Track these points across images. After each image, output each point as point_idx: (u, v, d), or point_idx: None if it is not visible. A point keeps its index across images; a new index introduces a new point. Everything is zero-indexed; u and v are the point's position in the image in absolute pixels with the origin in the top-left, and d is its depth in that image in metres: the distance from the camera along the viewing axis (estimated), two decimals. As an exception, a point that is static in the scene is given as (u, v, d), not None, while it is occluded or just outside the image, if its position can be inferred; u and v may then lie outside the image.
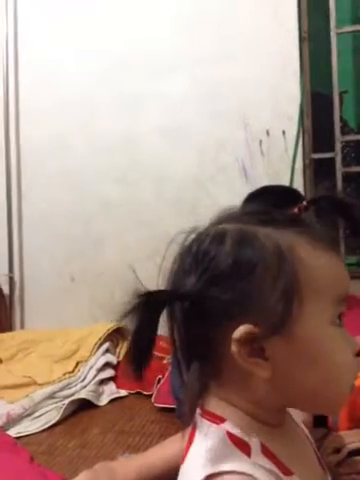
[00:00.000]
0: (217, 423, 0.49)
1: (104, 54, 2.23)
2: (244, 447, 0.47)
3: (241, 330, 0.47)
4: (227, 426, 0.48)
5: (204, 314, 0.48)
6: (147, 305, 0.47)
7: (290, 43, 2.09)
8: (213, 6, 2.14)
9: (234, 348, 0.47)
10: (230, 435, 0.48)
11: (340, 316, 0.51)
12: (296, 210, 0.56)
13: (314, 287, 0.48)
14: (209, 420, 0.50)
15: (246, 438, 0.48)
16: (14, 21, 2.28)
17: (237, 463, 0.46)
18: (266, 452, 0.48)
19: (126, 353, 0.49)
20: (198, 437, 0.49)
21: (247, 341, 0.47)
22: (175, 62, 2.19)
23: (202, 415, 0.50)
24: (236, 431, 0.48)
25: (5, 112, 2.28)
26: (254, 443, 0.48)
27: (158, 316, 0.48)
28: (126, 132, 2.24)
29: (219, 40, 2.15)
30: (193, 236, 0.53)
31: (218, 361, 0.49)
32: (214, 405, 0.50)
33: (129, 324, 0.47)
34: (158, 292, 0.49)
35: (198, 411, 0.51)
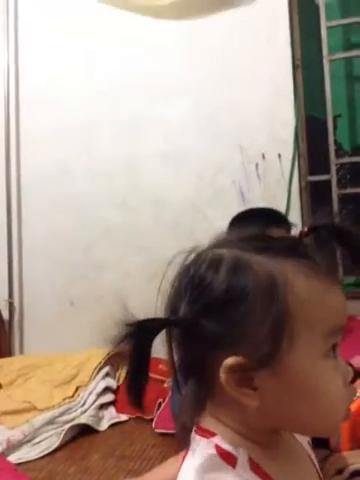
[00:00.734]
0: (207, 437, 0.50)
1: (104, 80, 2.29)
2: (230, 459, 0.48)
3: (229, 361, 0.47)
4: (216, 440, 0.50)
5: (196, 340, 0.48)
6: (139, 333, 0.48)
7: (284, 70, 2.15)
8: (211, 34, 2.20)
9: (223, 377, 0.47)
10: (218, 448, 0.49)
11: (334, 346, 0.50)
12: (296, 236, 0.56)
13: (306, 320, 0.48)
14: (201, 435, 0.51)
15: (233, 451, 0.49)
16: (15, 48, 2.34)
17: (222, 474, 0.47)
18: (254, 466, 0.49)
19: (124, 380, 0.49)
20: (189, 451, 0.51)
21: (236, 371, 0.47)
22: (174, 88, 2.24)
23: (196, 431, 0.52)
24: (225, 445, 0.49)
25: (6, 138, 2.31)
26: (241, 455, 0.49)
27: (150, 344, 0.48)
28: (126, 157, 2.28)
29: (216, 67, 2.21)
30: (192, 257, 0.53)
31: (211, 383, 0.49)
32: (207, 422, 0.51)
33: (123, 351, 0.48)
34: (150, 320, 0.49)
35: (193, 428, 0.52)
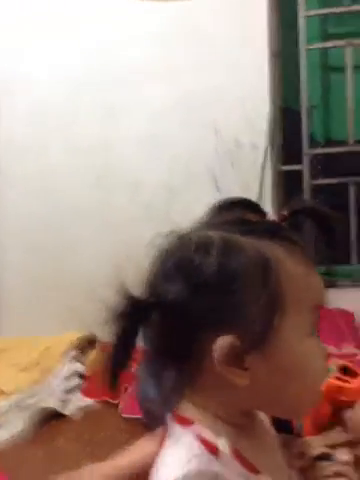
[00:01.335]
0: (187, 426, 0.50)
1: (83, 63, 2.24)
2: (213, 448, 0.49)
3: (222, 341, 0.47)
4: (196, 428, 0.50)
5: (185, 322, 0.48)
6: (130, 314, 0.47)
7: (261, 58, 2.15)
8: (188, 19, 2.18)
9: (216, 356, 0.47)
10: (199, 437, 0.49)
11: (314, 325, 0.52)
12: (276, 220, 0.57)
13: (295, 299, 0.49)
14: (180, 423, 0.51)
15: (214, 440, 0.49)
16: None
17: (205, 463, 0.47)
18: (234, 452, 0.50)
19: (101, 360, 0.47)
20: (169, 441, 0.51)
21: (228, 351, 0.47)
22: (151, 72, 2.21)
23: (174, 418, 0.51)
24: (205, 433, 0.49)
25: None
26: (222, 444, 0.49)
27: (138, 327, 0.48)
28: (102, 138, 2.25)
29: (193, 52, 2.18)
30: (172, 240, 0.52)
31: (195, 367, 0.49)
32: (185, 408, 0.51)
33: (109, 330, 0.47)
34: (141, 300, 0.48)
35: (169, 416, 0.52)
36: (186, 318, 0.48)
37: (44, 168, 2.28)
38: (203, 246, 0.49)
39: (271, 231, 0.52)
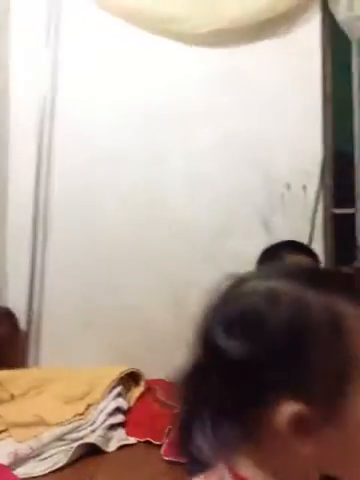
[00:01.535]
0: None
1: (135, 104, 2.32)
2: None
3: (288, 408, 0.44)
4: None
5: (248, 382, 0.44)
6: (191, 376, 0.45)
7: (314, 102, 2.16)
8: (241, 62, 2.23)
9: (279, 423, 0.44)
10: None
11: None
12: (350, 271, 0.54)
13: None
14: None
15: None
16: (52, 78, 2.39)
17: None
18: None
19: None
20: None
21: (293, 419, 0.44)
22: (202, 115, 2.26)
23: (229, 474, 0.49)
24: None
25: (37, 162, 2.35)
26: None
27: (201, 386, 0.45)
28: (151, 180, 2.31)
29: (246, 95, 2.23)
30: (233, 287, 0.49)
31: (256, 427, 0.46)
32: (242, 465, 0.48)
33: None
34: (201, 361, 0.46)
35: (226, 467, 0.49)
36: (250, 378, 0.44)
37: (91, 203, 2.35)
38: (270, 299, 0.46)
39: (342, 284, 0.49)
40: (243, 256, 2.21)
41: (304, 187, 2.17)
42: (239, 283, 0.49)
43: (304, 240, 2.10)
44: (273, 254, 1.68)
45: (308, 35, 2.19)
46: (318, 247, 2.06)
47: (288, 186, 2.19)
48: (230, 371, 0.45)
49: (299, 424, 0.44)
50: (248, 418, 0.46)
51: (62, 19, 2.38)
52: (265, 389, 0.45)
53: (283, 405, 0.44)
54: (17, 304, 2.32)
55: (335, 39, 2.20)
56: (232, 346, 0.45)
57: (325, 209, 2.18)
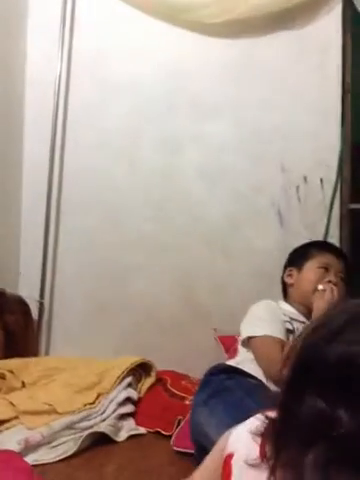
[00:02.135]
0: None
1: (150, 94, 2.31)
2: None
3: None
4: None
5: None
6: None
7: (333, 94, 2.13)
8: (259, 53, 2.21)
9: None
10: None
11: None
12: None
13: None
14: None
15: None
16: (68, 58, 2.39)
17: None
18: None
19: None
20: None
21: None
22: (219, 105, 2.24)
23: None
24: None
25: (51, 144, 2.36)
26: None
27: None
28: (166, 170, 2.29)
29: (264, 87, 2.20)
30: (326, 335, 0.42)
31: None
32: None
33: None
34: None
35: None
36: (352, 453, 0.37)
37: (107, 195, 2.34)
38: None
39: None
40: (257, 248, 2.20)
41: (321, 180, 2.14)
42: (336, 336, 0.42)
43: (319, 235, 2.08)
44: (303, 254, 1.72)
45: (328, 26, 2.15)
46: (334, 242, 2.04)
47: (305, 179, 2.16)
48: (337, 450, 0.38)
49: None
50: None
51: (77, 6, 2.37)
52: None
53: None
54: (29, 292, 2.33)
55: (355, 30, 2.15)
56: (339, 415, 0.38)
57: (342, 203, 2.15)
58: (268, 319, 1.58)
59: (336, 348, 0.39)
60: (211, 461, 0.72)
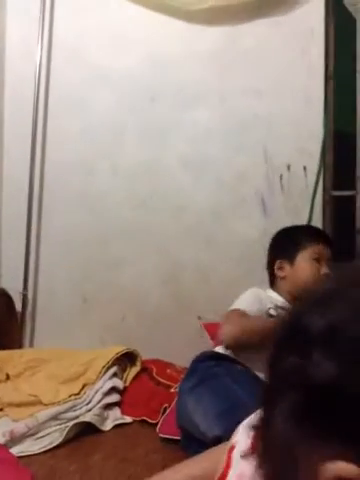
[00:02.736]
0: None
1: (133, 82, 2.28)
2: None
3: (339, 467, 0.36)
4: None
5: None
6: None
7: (316, 82, 2.13)
8: (242, 41, 2.20)
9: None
10: None
11: None
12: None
13: None
14: None
15: None
16: (48, 47, 2.35)
17: None
18: None
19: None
20: None
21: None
22: (201, 94, 2.23)
23: None
24: None
25: (32, 134, 2.32)
26: None
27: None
28: (148, 159, 2.28)
29: (247, 75, 2.20)
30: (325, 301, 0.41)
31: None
32: None
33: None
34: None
35: None
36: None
37: (91, 186, 2.32)
38: None
39: None
40: (241, 237, 2.20)
41: (304, 168, 2.15)
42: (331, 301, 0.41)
43: (303, 223, 2.09)
44: (293, 244, 1.70)
45: (311, 13, 2.15)
46: (316, 229, 2.05)
47: (288, 167, 2.16)
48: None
49: None
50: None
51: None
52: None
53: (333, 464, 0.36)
54: (12, 284, 2.30)
55: (339, 16, 2.15)
56: (319, 366, 0.37)
57: (325, 190, 2.16)
58: (249, 301, 1.59)
59: (320, 318, 0.39)
60: (216, 453, 0.74)
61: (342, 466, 0.35)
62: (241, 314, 1.53)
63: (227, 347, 1.52)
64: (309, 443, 0.37)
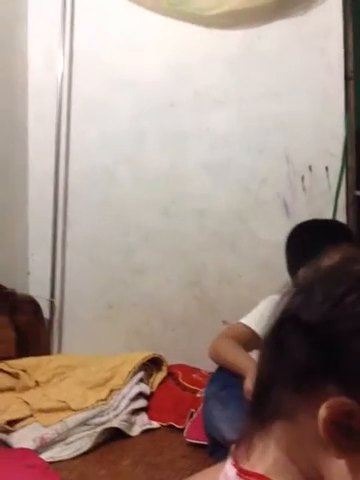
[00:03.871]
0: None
1: (153, 88, 2.30)
2: None
3: (333, 403, 0.39)
4: None
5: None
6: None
7: (336, 82, 2.11)
8: (261, 44, 2.19)
9: (321, 415, 0.40)
10: None
11: None
12: None
13: None
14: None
15: None
16: (70, 56, 2.39)
17: None
18: None
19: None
20: None
21: (340, 414, 0.39)
22: (222, 97, 2.23)
23: (238, 473, 0.44)
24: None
25: (56, 143, 2.37)
26: None
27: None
28: (171, 165, 2.29)
29: (266, 77, 2.19)
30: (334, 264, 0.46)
31: (296, 418, 0.42)
32: (258, 457, 0.44)
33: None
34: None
35: (234, 470, 0.44)
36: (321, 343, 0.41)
37: (114, 193, 2.35)
38: None
39: None
40: (264, 240, 2.19)
41: (326, 169, 2.13)
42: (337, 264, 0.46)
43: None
44: (317, 252, 1.65)
45: (329, 12, 2.13)
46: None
47: (310, 168, 2.15)
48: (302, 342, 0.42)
49: (342, 419, 0.39)
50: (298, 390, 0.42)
51: (76, 6, 2.36)
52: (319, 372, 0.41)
53: (333, 399, 0.39)
54: (39, 292, 2.35)
55: (357, 16, 2.13)
56: (310, 307, 0.43)
57: (348, 191, 2.13)
58: (257, 317, 1.56)
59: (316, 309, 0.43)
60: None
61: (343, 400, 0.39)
62: (236, 334, 1.54)
63: None
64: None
